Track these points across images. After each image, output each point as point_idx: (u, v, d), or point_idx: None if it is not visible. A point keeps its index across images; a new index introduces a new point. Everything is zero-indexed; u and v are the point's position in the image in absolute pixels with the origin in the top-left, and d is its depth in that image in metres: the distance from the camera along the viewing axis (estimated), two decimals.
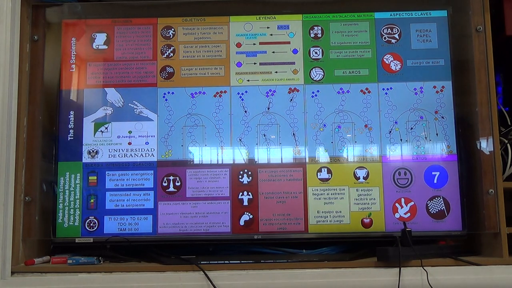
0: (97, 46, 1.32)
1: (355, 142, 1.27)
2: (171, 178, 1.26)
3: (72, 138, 1.28)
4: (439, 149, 1.26)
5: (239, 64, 1.30)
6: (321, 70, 1.29)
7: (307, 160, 1.26)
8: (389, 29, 1.30)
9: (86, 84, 1.30)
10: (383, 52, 1.30)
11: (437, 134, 1.26)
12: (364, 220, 1.24)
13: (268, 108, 1.28)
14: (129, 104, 1.29)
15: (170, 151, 1.27)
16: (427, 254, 1.16)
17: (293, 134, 1.27)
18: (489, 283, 1.13)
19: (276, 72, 1.30)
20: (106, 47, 1.32)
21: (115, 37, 1.32)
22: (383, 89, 1.28)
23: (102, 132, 1.28)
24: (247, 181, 1.26)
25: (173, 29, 1.32)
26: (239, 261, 1.18)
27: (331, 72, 1.29)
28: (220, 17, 1.32)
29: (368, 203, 1.25)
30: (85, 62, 1.31)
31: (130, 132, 1.28)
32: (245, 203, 1.25)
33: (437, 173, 1.25)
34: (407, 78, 1.28)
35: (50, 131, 1.29)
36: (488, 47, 1.22)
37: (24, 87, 1.24)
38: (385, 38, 1.30)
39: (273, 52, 1.31)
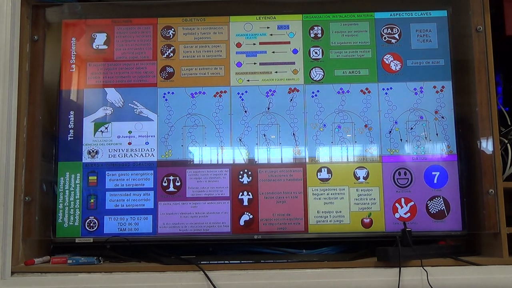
0: (97, 46, 1.32)
1: (355, 142, 1.27)
2: (171, 178, 1.26)
3: (72, 138, 1.28)
4: (439, 149, 1.26)
5: (239, 64, 1.30)
6: (321, 70, 1.29)
7: (307, 160, 1.26)
8: (389, 29, 1.30)
9: (86, 84, 1.30)
10: (383, 52, 1.30)
11: (437, 134, 1.26)
12: (364, 220, 1.24)
13: (268, 108, 1.28)
14: (129, 104, 1.29)
15: (170, 151, 1.27)
16: (427, 254, 1.16)
17: (293, 134, 1.27)
18: (489, 283, 1.12)
19: (276, 72, 1.30)
20: (106, 47, 1.32)
21: (115, 37, 1.32)
22: (383, 89, 1.28)
23: (102, 132, 1.28)
24: (247, 181, 1.26)
25: (173, 29, 1.32)
26: (239, 261, 1.18)
27: (331, 72, 1.29)
28: (220, 17, 1.32)
29: (368, 203, 1.25)
30: (85, 62, 1.31)
31: (130, 132, 1.28)
32: (245, 203, 1.25)
33: (437, 173, 1.25)
34: (407, 78, 1.28)
35: (50, 131, 1.29)
36: (488, 47, 1.22)
37: (24, 87, 1.24)
38: (385, 38, 1.30)
39: (273, 52, 1.31)
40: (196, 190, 1.26)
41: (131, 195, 1.26)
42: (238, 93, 1.29)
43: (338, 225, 1.24)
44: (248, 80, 1.29)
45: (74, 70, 1.31)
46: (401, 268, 1.11)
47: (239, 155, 1.27)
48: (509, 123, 1.32)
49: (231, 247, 1.28)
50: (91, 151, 1.28)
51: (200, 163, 1.27)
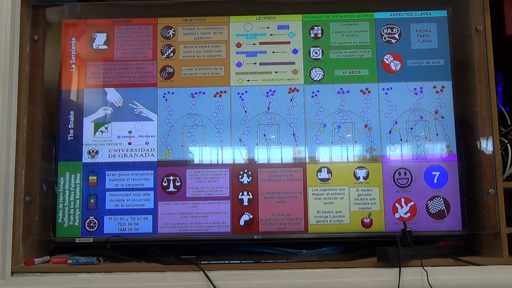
0: (97, 46, 1.32)
1: (355, 142, 1.27)
2: (171, 178, 1.26)
3: (72, 138, 1.28)
4: (439, 149, 1.26)
5: (239, 64, 1.30)
6: (321, 70, 1.29)
7: (307, 160, 1.26)
8: (389, 29, 1.30)
9: (86, 84, 1.30)
10: (383, 52, 1.30)
11: (437, 134, 1.26)
12: (364, 220, 1.24)
13: (268, 108, 1.28)
14: (129, 104, 1.29)
15: (170, 151, 1.27)
16: (427, 254, 1.16)
17: (293, 134, 1.27)
18: (489, 283, 1.12)
19: (276, 72, 1.30)
20: (106, 47, 1.32)
21: (115, 37, 1.32)
22: (383, 89, 1.28)
23: (102, 132, 1.28)
24: (247, 181, 1.26)
25: (173, 29, 1.32)
26: (239, 261, 1.18)
27: (331, 72, 1.29)
28: (220, 17, 1.32)
29: (368, 203, 1.25)
30: (85, 62, 1.31)
31: (130, 132, 1.28)
32: (245, 203, 1.25)
33: (437, 173, 1.25)
34: (407, 78, 1.28)
35: (50, 131, 1.29)
36: (488, 47, 1.22)
37: (24, 87, 1.24)
38: (385, 38, 1.30)
39: (273, 52, 1.31)
40: (196, 190, 1.26)
41: (131, 195, 1.26)
42: (238, 93, 1.29)
43: (338, 225, 1.24)
44: (248, 80, 1.29)
45: (74, 70, 1.31)
46: (401, 268, 1.11)
47: (239, 155, 1.27)
48: (509, 123, 1.32)
49: (231, 247, 1.28)
50: (91, 151, 1.28)
51: (200, 163, 1.27)
